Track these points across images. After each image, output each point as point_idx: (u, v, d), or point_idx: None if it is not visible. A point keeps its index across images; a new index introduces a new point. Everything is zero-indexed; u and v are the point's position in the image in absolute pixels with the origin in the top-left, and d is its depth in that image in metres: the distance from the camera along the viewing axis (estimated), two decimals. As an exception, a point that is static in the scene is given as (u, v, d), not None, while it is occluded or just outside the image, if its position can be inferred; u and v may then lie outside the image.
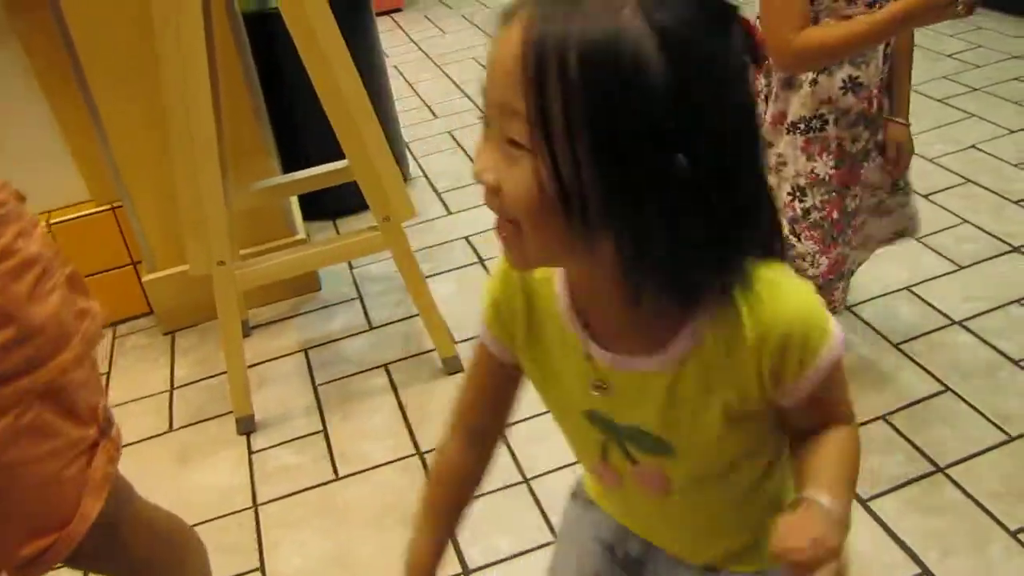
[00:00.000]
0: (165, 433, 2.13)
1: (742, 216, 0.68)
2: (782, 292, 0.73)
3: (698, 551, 0.96)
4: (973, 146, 2.85)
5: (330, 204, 2.85)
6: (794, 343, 0.73)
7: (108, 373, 2.37)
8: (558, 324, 0.81)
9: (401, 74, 4.04)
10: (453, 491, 0.99)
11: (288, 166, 2.51)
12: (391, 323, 2.39)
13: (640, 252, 0.67)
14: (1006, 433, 1.78)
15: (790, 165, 1.64)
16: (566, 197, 0.64)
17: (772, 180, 1.65)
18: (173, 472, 2.00)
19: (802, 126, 1.61)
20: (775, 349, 0.73)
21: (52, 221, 2.38)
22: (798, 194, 1.65)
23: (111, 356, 2.43)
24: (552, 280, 0.81)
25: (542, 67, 0.61)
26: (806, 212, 1.66)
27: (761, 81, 1.63)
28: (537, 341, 0.84)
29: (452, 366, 2.15)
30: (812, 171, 1.62)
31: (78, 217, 2.41)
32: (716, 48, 0.64)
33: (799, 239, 1.68)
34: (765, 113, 1.64)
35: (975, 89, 3.23)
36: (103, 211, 2.42)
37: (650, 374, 0.77)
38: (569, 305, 0.80)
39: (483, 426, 0.97)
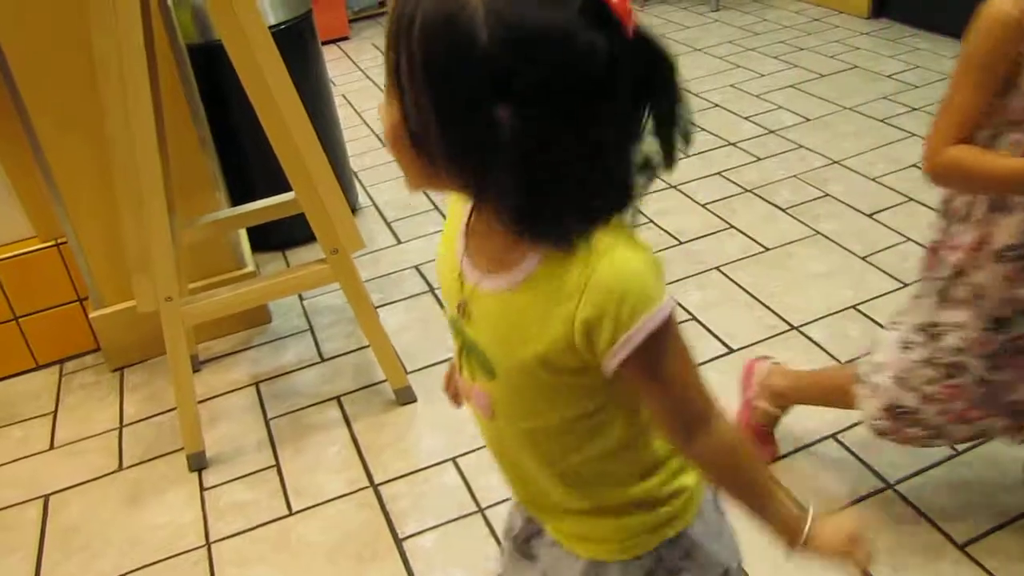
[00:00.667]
0: (115, 472, 2.09)
1: (574, 179, 0.76)
2: (616, 254, 0.79)
3: (543, 511, 1.03)
4: (914, 165, 2.90)
5: (279, 235, 2.84)
6: (611, 301, 0.78)
7: (55, 412, 2.32)
8: (453, 244, 0.92)
9: (349, 102, 4.03)
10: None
11: (236, 199, 2.49)
12: (342, 354, 2.38)
13: (479, 194, 0.80)
14: (953, 448, 1.81)
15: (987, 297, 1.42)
16: (412, 137, 0.77)
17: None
18: (124, 511, 1.97)
19: (1010, 254, 1.37)
20: (594, 302, 0.78)
21: (-5, 259, 2.35)
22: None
23: (58, 394, 2.39)
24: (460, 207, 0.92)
25: (398, 28, 0.74)
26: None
27: (960, 199, 1.43)
28: (445, 250, 0.95)
29: (404, 396, 2.14)
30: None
31: (22, 254, 2.37)
32: (546, 19, 0.71)
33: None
34: (959, 236, 1.43)
35: (914, 109, 3.30)
36: (48, 247, 2.38)
37: (492, 294, 0.86)
38: (463, 230, 0.91)
39: None
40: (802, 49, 4.05)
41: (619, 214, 0.81)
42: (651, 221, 2.77)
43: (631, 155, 0.79)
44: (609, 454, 0.93)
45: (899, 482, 1.75)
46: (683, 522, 0.99)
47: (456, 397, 1.12)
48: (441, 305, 0.95)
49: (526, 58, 0.71)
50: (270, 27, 1.96)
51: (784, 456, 1.84)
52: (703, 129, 3.36)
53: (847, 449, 1.84)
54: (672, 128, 0.80)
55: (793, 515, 0.91)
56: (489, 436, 1.01)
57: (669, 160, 0.81)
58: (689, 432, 0.88)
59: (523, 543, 1.11)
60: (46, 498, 2.05)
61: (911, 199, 2.71)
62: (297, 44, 2.72)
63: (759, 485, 0.91)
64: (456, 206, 0.94)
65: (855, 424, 1.89)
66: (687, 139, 0.82)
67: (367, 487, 1.93)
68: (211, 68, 2.49)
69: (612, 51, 0.73)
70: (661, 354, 0.82)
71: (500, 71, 0.71)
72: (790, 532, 0.91)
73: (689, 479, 0.98)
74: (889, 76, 3.62)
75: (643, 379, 0.84)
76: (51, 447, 2.21)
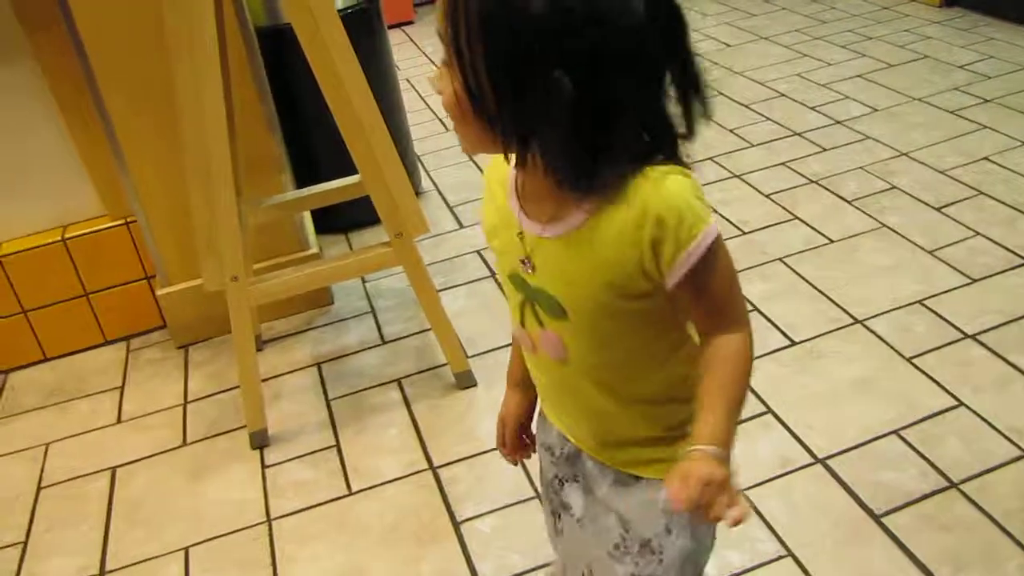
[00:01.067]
0: (179, 447, 2.14)
1: (621, 131, 0.84)
2: (666, 182, 0.86)
3: (608, 447, 1.07)
4: (986, 158, 2.84)
5: (343, 218, 2.86)
6: (670, 223, 0.86)
7: (122, 387, 2.38)
8: (505, 205, 0.98)
9: (413, 87, 4.05)
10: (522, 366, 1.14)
11: (301, 180, 2.52)
12: (404, 337, 2.40)
13: (542, 150, 0.85)
14: (1020, 448, 1.77)
15: None
16: (472, 102, 0.83)
17: None
18: (187, 486, 2.01)
19: None
20: (654, 225, 0.86)
21: (67, 236, 2.40)
22: None
23: (125, 370, 2.45)
24: (506, 171, 0.97)
25: (453, 1, 0.80)
26: None
27: None
28: (496, 218, 1.01)
29: (464, 380, 2.15)
30: None
31: (93, 232, 2.42)
32: None
33: None
34: None
35: (987, 100, 3.23)
36: (117, 226, 2.44)
37: (557, 238, 0.92)
38: (513, 190, 0.97)
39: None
40: (871, 38, 3.97)
41: (663, 156, 0.88)
42: (714, 210, 2.74)
43: (665, 104, 0.87)
44: (677, 379, 1.00)
45: (963, 481, 1.71)
46: None
47: (513, 452, 1.23)
48: (502, 289, 1.00)
49: (580, 17, 0.77)
50: (338, 10, 1.97)
51: (845, 451, 1.82)
52: (768, 119, 3.32)
53: (909, 445, 1.81)
54: (688, 90, 0.87)
55: (727, 435, 0.92)
56: (557, 382, 1.06)
57: (689, 124, 0.89)
58: (722, 330, 0.94)
59: (569, 459, 1.14)
60: (113, 470, 2.09)
61: (981, 192, 2.65)
62: (364, 28, 2.74)
63: (739, 400, 0.94)
64: (494, 172, 1.01)
65: (920, 420, 1.86)
66: (705, 103, 0.89)
67: (426, 469, 1.95)
68: (279, 50, 2.52)
69: (647, 6, 0.80)
70: (712, 267, 0.90)
71: (555, 30, 0.77)
72: (720, 443, 0.90)
73: None
74: (961, 66, 3.54)
75: (696, 289, 0.91)
76: (118, 421, 2.26)
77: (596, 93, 0.80)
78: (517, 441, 1.23)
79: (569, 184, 0.86)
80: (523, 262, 0.96)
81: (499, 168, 0.99)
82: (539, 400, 1.18)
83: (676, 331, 1.00)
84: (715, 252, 0.89)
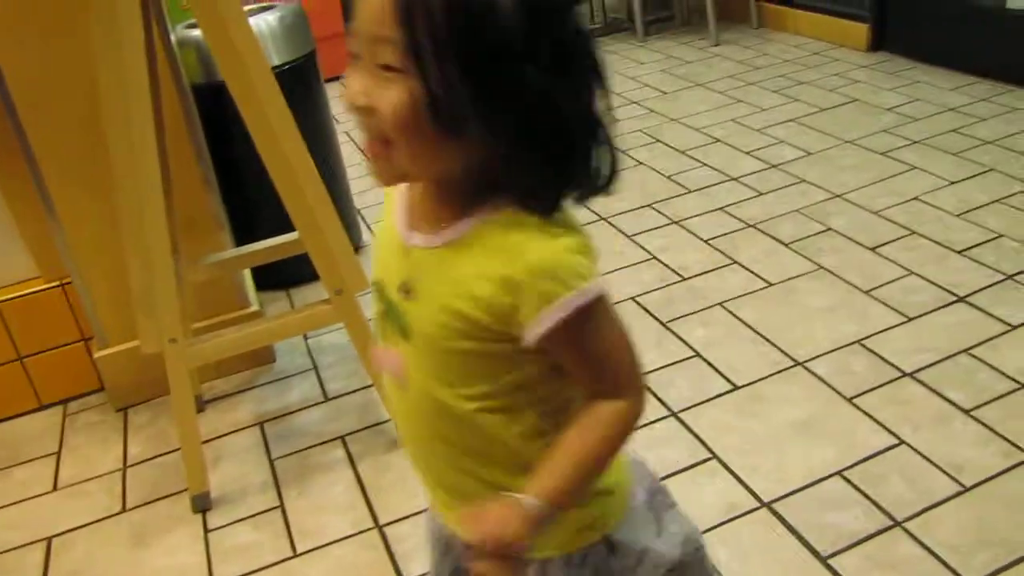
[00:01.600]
0: (119, 513, 2.08)
1: (575, 145, 0.83)
2: (555, 230, 0.83)
3: (452, 497, 1.00)
4: (916, 198, 2.91)
5: (284, 274, 2.84)
6: (543, 273, 0.82)
7: (59, 452, 2.32)
8: (392, 224, 0.94)
9: (352, 139, 4.05)
10: None
11: (240, 238, 2.50)
12: (347, 394, 2.37)
13: (507, 160, 0.80)
14: (960, 484, 1.80)
15: None
16: (436, 109, 0.76)
17: None
18: (127, 554, 1.96)
19: None
20: (526, 270, 0.82)
21: (0, 299, 2.35)
22: None
23: (62, 435, 2.39)
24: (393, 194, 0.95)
25: (409, 8, 0.74)
26: None
27: None
28: (381, 236, 0.97)
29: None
30: None
31: (27, 294, 2.37)
32: None
33: None
34: None
35: (915, 141, 3.31)
36: (52, 287, 2.39)
37: (428, 250, 0.88)
38: (403, 206, 0.93)
39: None
40: (802, 83, 4.07)
41: (578, 197, 0.86)
42: (654, 257, 2.78)
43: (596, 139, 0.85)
44: (526, 441, 0.92)
45: (907, 519, 1.73)
46: (607, 527, 1.00)
47: None
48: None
49: (544, 21, 0.77)
50: (273, 67, 1.97)
51: (790, 493, 1.83)
52: (705, 164, 3.38)
53: (853, 486, 1.83)
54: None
55: (556, 494, 0.88)
56: (404, 413, 0.99)
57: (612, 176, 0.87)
58: (603, 396, 0.90)
59: (448, 541, 1.09)
60: (49, 540, 2.04)
61: (913, 232, 2.72)
62: (301, 84, 2.74)
63: (590, 467, 0.90)
64: (391, 198, 0.96)
65: (863, 459, 1.88)
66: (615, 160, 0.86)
67: (372, 528, 1.92)
68: (217, 107, 2.51)
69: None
70: (589, 331, 0.86)
71: (522, 33, 0.75)
72: (543, 497, 0.87)
73: (611, 478, 0.98)
74: (889, 109, 3.64)
75: (570, 350, 0.87)
76: (54, 488, 2.20)
77: (554, 93, 0.78)
78: None
79: (534, 200, 0.83)
80: (400, 288, 0.91)
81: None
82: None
83: (537, 394, 0.92)
84: (594, 313, 0.84)
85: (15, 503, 2.17)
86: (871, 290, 2.47)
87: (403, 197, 0.94)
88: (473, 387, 0.90)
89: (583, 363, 0.88)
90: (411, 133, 0.78)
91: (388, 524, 1.92)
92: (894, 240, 2.70)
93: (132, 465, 2.24)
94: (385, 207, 0.98)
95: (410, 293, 0.90)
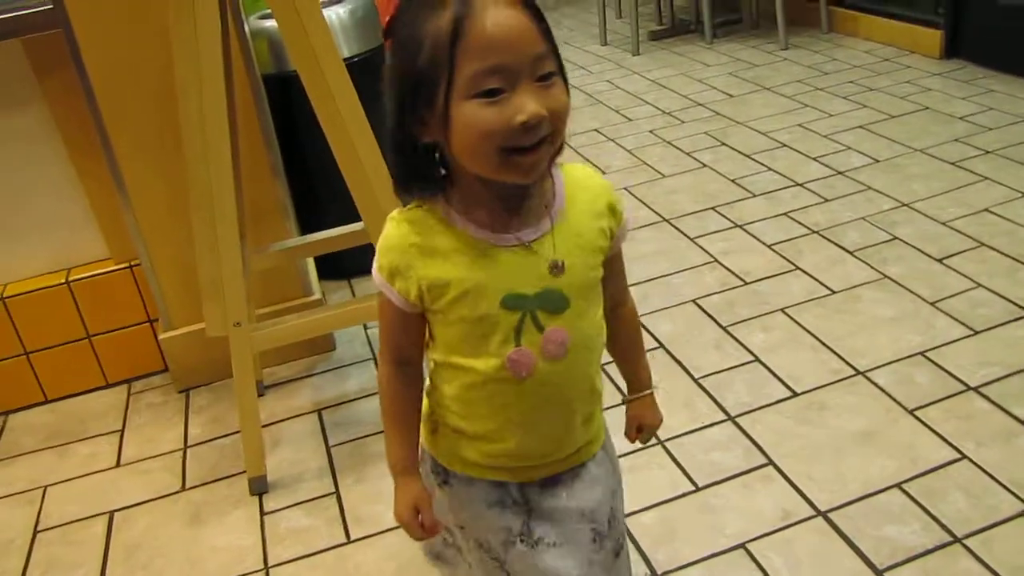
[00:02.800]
0: (178, 492, 2.13)
1: None
2: (586, 170, 1.12)
3: (572, 437, 1.15)
4: (986, 209, 2.86)
5: (346, 264, 2.87)
6: (615, 197, 1.11)
7: (122, 430, 2.37)
8: (466, 246, 1.02)
9: (417, 133, 4.07)
10: (405, 405, 1.17)
11: (305, 227, 2.53)
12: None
13: None
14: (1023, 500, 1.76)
15: None
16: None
17: None
18: (185, 532, 2.00)
19: None
20: (615, 195, 1.11)
21: (71, 278, 2.41)
22: None
23: (126, 413, 2.44)
24: (445, 231, 1.03)
25: (539, 17, 0.94)
26: None
27: None
28: (451, 273, 1.02)
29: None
30: None
31: (97, 275, 2.43)
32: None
33: None
34: None
35: (987, 152, 3.25)
36: (121, 269, 2.45)
37: (549, 233, 1.04)
38: (476, 228, 1.02)
39: (407, 356, 1.14)
40: (872, 89, 4.01)
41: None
42: (715, 260, 2.76)
43: None
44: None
45: (967, 536, 1.70)
46: None
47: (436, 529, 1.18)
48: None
49: None
50: (344, 59, 1.99)
51: (847, 504, 1.81)
52: (770, 169, 3.34)
53: (912, 499, 1.80)
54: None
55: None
56: (541, 395, 1.09)
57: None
58: (627, 294, 1.23)
59: (521, 503, 1.17)
60: (111, 514, 2.08)
61: (982, 244, 2.66)
62: (370, 76, 2.75)
63: None
64: (419, 239, 1.04)
65: (923, 473, 1.86)
66: None
67: (425, 518, 1.93)
68: (285, 97, 2.54)
69: None
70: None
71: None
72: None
73: None
74: (961, 118, 3.57)
75: (618, 255, 1.16)
76: (117, 464, 2.25)
77: None
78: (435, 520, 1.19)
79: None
80: (553, 267, 1.03)
81: (420, 235, 1.03)
82: (472, 456, 1.16)
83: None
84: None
85: (79, 477, 2.23)
86: (937, 302, 2.42)
87: (462, 220, 1.03)
88: (600, 305, 1.12)
89: (621, 266, 1.17)
90: (567, 120, 0.97)
91: (441, 515, 1.93)
92: (962, 251, 2.65)
93: (192, 445, 2.28)
94: (414, 257, 1.04)
95: (560, 268, 1.04)
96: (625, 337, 1.24)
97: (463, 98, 0.92)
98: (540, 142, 0.94)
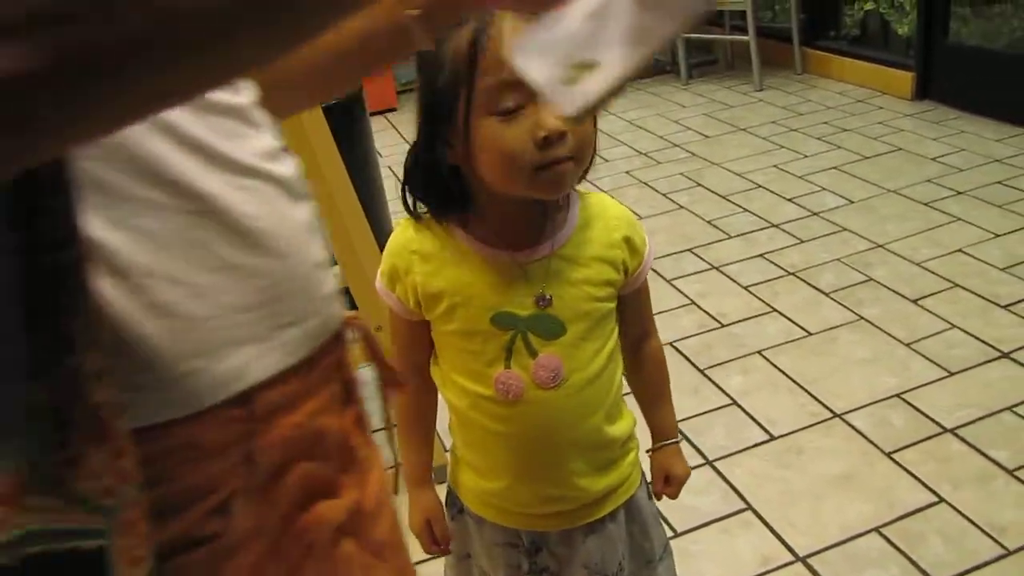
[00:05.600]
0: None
1: None
2: (611, 201, 1.10)
3: (572, 484, 1.10)
4: (959, 249, 2.88)
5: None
6: (636, 230, 1.08)
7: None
8: (463, 259, 1.02)
9: (395, 174, 4.07)
10: (418, 411, 1.18)
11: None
12: (377, 430, 2.36)
13: None
14: (1003, 546, 1.76)
15: None
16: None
17: None
18: None
19: None
20: (633, 227, 1.08)
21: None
22: None
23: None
24: (445, 241, 1.03)
25: None
26: None
27: None
28: (443, 284, 1.03)
29: (439, 476, 2.12)
30: None
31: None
32: None
33: None
34: None
35: (959, 192, 3.28)
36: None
37: (555, 254, 1.03)
38: (477, 243, 1.03)
39: (417, 363, 1.14)
40: (846, 130, 4.05)
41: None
42: (692, 302, 2.76)
43: None
44: (618, 386, 1.12)
45: (946, 581, 1.70)
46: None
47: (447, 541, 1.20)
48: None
49: None
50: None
51: (826, 549, 1.80)
52: (746, 210, 3.36)
53: (890, 543, 1.80)
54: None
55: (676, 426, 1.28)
56: (538, 425, 1.07)
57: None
58: (651, 332, 1.20)
59: (534, 552, 1.16)
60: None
61: (956, 285, 2.68)
62: (346, 118, 2.76)
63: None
64: (414, 244, 1.05)
65: (901, 517, 1.85)
66: None
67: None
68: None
69: None
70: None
71: None
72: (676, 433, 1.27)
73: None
74: (933, 159, 3.61)
75: (642, 290, 1.12)
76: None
77: None
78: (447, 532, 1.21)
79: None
80: (539, 299, 1.02)
81: (422, 243, 1.04)
82: (484, 495, 1.15)
83: (618, 356, 1.13)
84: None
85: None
86: (912, 343, 2.43)
87: (470, 240, 1.03)
88: (608, 341, 1.08)
89: (646, 299, 1.15)
90: (591, 141, 0.97)
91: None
92: (937, 292, 2.66)
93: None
94: (413, 262, 1.05)
95: (547, 301, 1.02)
96: (647, 377, 1.22)
97: (483, 115, 0.92)
98: (564, 156, 0.94)
